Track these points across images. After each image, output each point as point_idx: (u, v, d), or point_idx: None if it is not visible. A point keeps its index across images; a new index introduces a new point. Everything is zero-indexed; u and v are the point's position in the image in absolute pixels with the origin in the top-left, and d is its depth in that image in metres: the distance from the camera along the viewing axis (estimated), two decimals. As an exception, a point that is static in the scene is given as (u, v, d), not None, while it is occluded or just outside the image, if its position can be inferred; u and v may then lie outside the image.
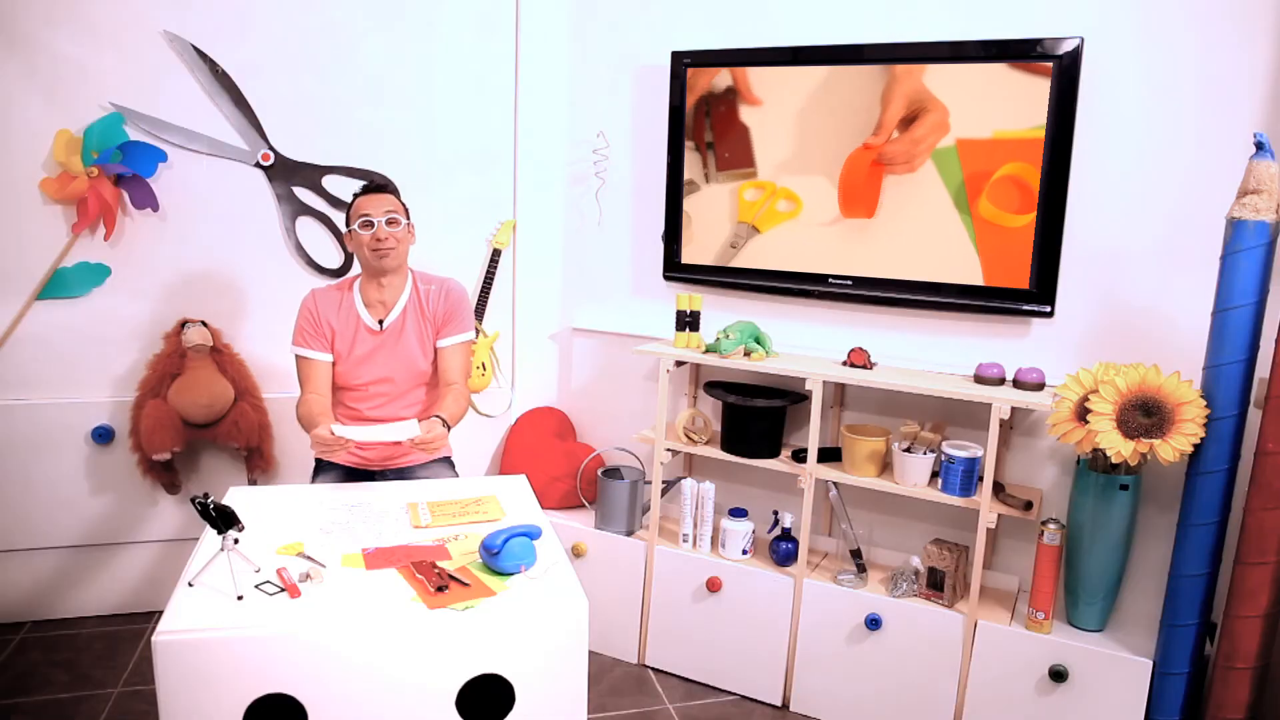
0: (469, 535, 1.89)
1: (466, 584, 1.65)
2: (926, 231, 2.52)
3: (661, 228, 2.95)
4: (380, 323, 2.36)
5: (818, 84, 2.59)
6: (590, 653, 2.82)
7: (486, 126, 3.09)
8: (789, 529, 2.65)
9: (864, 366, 2.52)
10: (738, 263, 2.82)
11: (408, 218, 2.37)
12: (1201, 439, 2.03)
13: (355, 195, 2.37)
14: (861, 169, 2.57)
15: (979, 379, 2.41)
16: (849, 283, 2.65)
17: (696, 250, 2.88)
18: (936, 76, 2.43)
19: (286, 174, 2.92)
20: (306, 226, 2.98)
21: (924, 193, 2.51)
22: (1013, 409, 2.29)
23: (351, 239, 2.35)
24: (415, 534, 1.89)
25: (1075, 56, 2.26)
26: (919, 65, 2.44)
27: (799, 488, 2.56)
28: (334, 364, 2.37)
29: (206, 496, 1.62)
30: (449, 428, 2.25)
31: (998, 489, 2.39)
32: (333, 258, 3.02)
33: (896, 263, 2.58)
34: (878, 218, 2.58)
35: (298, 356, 2.36)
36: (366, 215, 2.29)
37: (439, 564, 1.72)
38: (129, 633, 2.87)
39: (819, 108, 2.61)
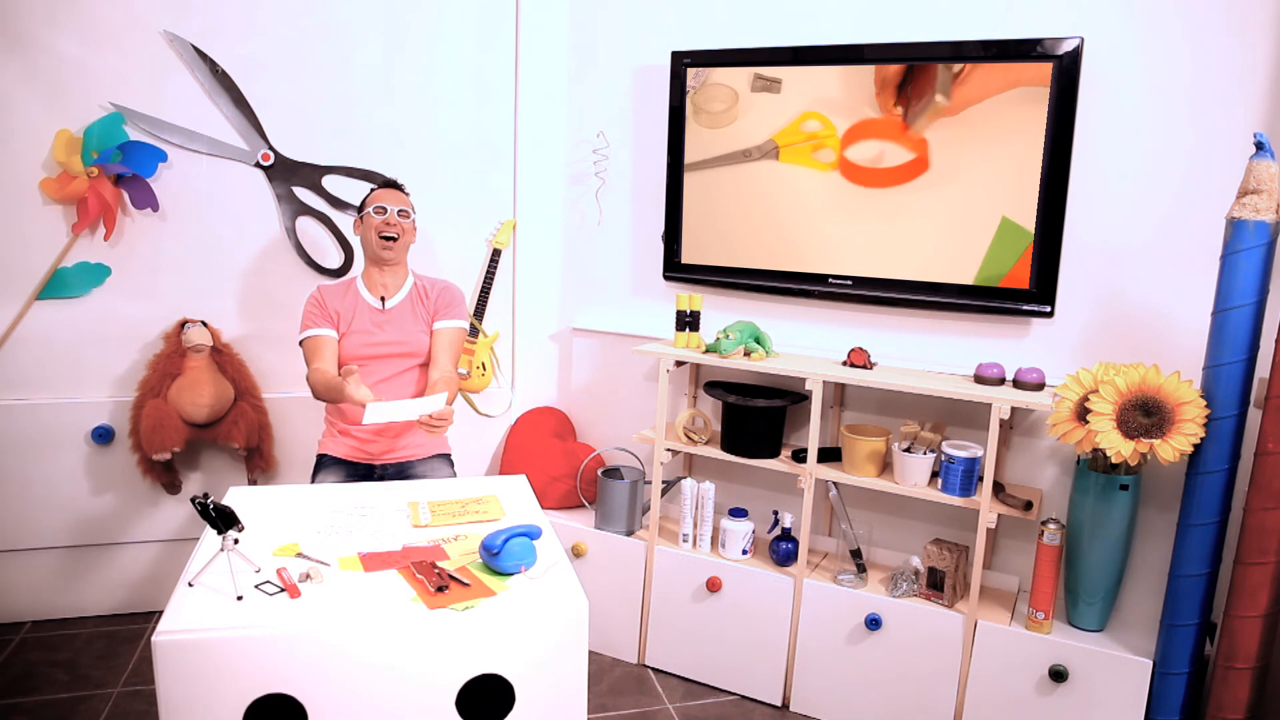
0: (469, 535, 1.89)
1: (466, 584, 1.65)
2: (944, 238, 2.53)
3: (661, 228, 2.96)
4: (383, 300, 2.53)
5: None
6: (590, 653, 2.83)
7: (486, 126, 3.09)
8: (789, 529, 2.65)
9: (864, 366, 2.52)
10: (737, 218, 2.82)
11: (413, 216, 2.59)
12: (1201, 439, 2.03)
13: (372, 189, 2.60)
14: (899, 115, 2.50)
15: (979, 379, 2.41)
16: (849, 283, 2.65)
17: (712, 138, 2.78)
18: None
19: (286, 174, 2.92)
20: (306, 226, 2.98)
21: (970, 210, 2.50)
22: (1013, 409, 2.29)
23: (361, 224, 2.55)
24: (415, 534, 1.89)
25: (1075, 56, 2.26)
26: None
27: (799, 488, 2.56)
28: (340, 340, 2.49)
29: (206, 496, 1.62)
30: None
31: (998, 489, 2.39)
32: (333, 258, 3.02)
33: (896, 262, 2.58)
34: (893, 209, 2.58)
35: (305, 340, 2.47)
36: (381, 204, 2.51)
37: (438, 564, 1.72)
38: (129, 633, 2.87)
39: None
